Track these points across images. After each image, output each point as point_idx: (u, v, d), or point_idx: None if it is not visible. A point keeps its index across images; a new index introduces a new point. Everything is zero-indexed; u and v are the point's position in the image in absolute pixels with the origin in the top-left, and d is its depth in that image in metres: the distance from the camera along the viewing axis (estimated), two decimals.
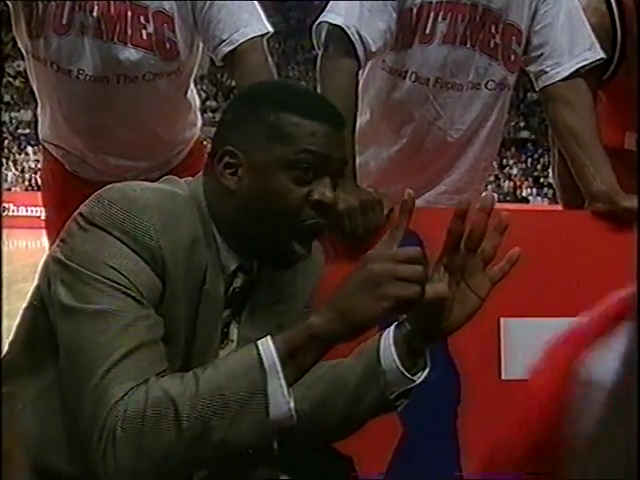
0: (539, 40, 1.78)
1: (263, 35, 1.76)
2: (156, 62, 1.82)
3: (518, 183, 28.89)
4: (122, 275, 0.95)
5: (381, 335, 1.06)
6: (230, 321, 1.11)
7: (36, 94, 2.01)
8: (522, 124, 31.23)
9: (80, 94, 1.85)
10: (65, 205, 1.97)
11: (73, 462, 1.00)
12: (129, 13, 1.77)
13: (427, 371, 1.05)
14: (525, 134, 30.87)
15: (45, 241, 2.17)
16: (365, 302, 0.89)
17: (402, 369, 1.04)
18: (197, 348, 1.05)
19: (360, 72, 1.75)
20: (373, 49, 1.66)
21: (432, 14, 1.72)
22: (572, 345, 0.67)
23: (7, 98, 26.05)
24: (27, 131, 24.30)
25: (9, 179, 23.59)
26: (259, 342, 0.92)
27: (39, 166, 2.35)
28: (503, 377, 1.59)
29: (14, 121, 26.31)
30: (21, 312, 1.08)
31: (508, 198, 26.95)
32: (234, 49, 1.73)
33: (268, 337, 0.92)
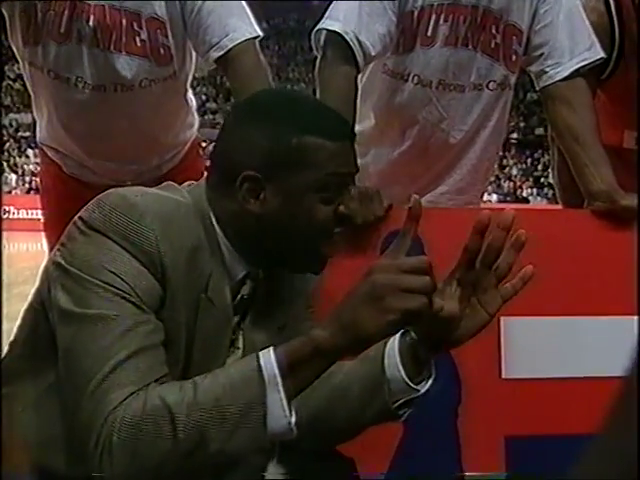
0: (539, 40, 1.78)
1: (254, 39, 1.75)
2: (151, 68, 1.82)
3: (518, 183, 28.89)
4: (122, 280, 0.94)
5: (386, 343, 1.05)
6: (237, 328, 1.11)
7: (32, 98, 2.01)
8: (522, 124, 31.23)
9: (78, 102, 1.85)
10: (63, 208, 1.97)
11: (72, 464, 1.00)
12: (123, 21, 1.77)
13: (431, 381, 1.05)
14: (525, 134, 30.87)
15: (45, 244, 2.17)
16: (370, 315, 0.88)
17: (406, 379, 1.04)
18: (198, 354, 1.04)
19: (360, 76, 1.75)
20: (372, 53, 1.66)
21: (433, 16, 1.72)
22: None
23: (7, 101, 26.06)
24: (27, 134, 24.30)
25: (10, 182, 23.60)
26: (260, 353, 0.91)
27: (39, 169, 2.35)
28: (503, 376, 1.59)
29: (14, 124, 26.32)
30: (22, 314, 1.07)
31: (508, 198, 26.95)
32: (224, 54, 1.72)
33: (270, 348, 0.91)
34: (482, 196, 2.15)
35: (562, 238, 1.63)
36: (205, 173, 1.12)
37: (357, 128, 1.64)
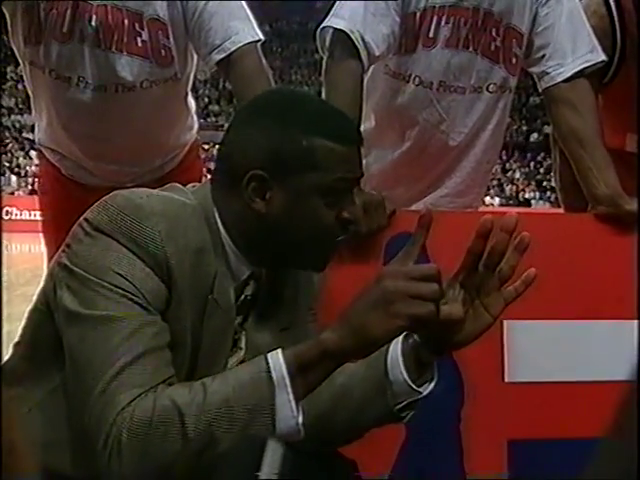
0: (541, 42, 1.78)
1: (256, 42, 1.75)
2: (152, 69, 1.82)
3: (521, 187, 28.88)
4: (128, 281, 0.95)
5: (388, 345, 1.05)
6: (239, 329, 1.11)
7: (31, 99, 2.00)
8: (525, 128, 31.24)
9: (79, 102, 1.85)
10: (61, 209, 1.98)
11: (78, 465, 1.00)
12: (125, 21, 1.77)
13: (434, 383, 1.05)
14: (528, 138, 30.88)
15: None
16: (378, 320, 0.89)
17: (409, 381, 1.04)
18: (204, 356, 1.05)
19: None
20: (377, 53, 1.67)
21: (435, 18, 1.73)
22: None
23: (11, 102, 26.12)
24: (31, 135, 24.36)
25: (12, 183, 23.64)
26: (269, 355, 0.92)
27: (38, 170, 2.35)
28: (506, 380, 1.59)
29: (17, 125, 26.38)
30: (26, 315, 1.08)
31: (511, 202, 26.95)
32: (226, 56, 1.72)
33: (278, 350, 0.92)
34: (484, 199, 2.16)
35: (565, 242, 1.63)
36: (206, 175, 1.12)
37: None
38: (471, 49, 1.76)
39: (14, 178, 24.12)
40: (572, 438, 1.51)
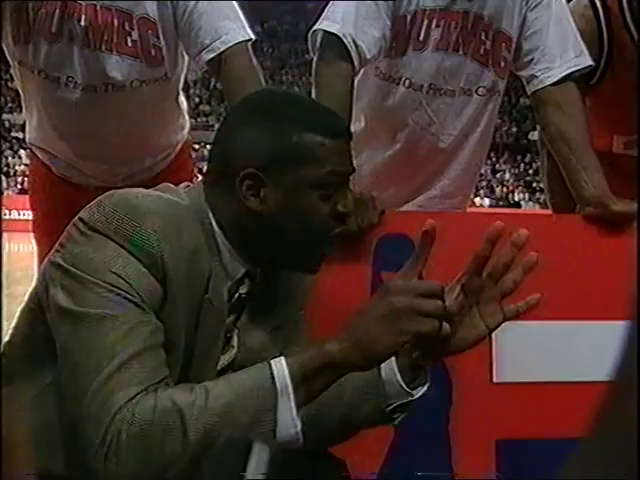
0: (529, 46, 1.79)
1: (246, 41, 1.75)
2: (142, 69, 1.82)
3: (510, 188, 28.97)
4: (123, 280, 0.95)
5: None
6: (232, 327, 1.12)
7: (22, 99, 2.00)
8: (514, 129, 31.33)
9: (68, 102, 1.84)
10: (52, 208, 1.97)
11: (70, 464, 1.00)
12: (115, 21, 1.76)
13: (426, 387, 1.06)
14: (518, 139, 30.97)
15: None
16: (383, 335, 0.90)
17: (401, 382, 1.05)
18: (197, 355, 1.05)
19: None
20: (368, 56, 1.67)
21: (426, 21, 1.74)
22: None
23: (0, 101, 25.96)
24: (20, 134, 24.24)
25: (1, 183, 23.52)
26: (272, 361, 0.92)
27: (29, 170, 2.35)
28: (494, 380, 1.60)
29: (7, 124, 26.24)
30: (17, 315, 1.07)
31: (501, 203, 27.03)
32: (216, 56, 1.72)
33: (282, 358, 0.93)
34: (474, 200, 2.18)
35: (552, 243, 1.64)
36: (197, 175, 1.13)
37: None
38: (461, 52, 1.77)
39: (2, 177, 23.99)
40: (560, 438, 1.51)
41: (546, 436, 1.56)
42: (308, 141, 1.02)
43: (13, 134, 25.71)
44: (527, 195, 28.11)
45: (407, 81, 1.79)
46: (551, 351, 1.61)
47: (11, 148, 25.94)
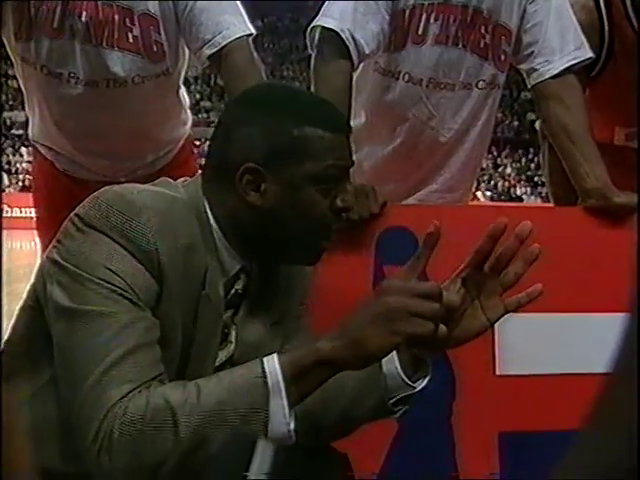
0: (529, 39, 1.79)
1: (247, 36, 1.75)
2: (144, 64, 1.82)
3: (512, 182, 28.93)
4: (119, 277, 0.95)
5: None
6: (229, 322, 1.11)
7: (24, 95, 2.00)
8: (516, 123, 31.27)
9: (70, 98, 1.85)
10: (55, 204, 1.98)
11: (68, 461, 1.00)
12: (116, 17, 1.77)
13: (427, 379, 1.06)
14: (519, 133, 30.91)
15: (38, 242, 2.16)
16: (377, 335, 0.89)
17: (403, 375, 1.05)
18: (194, 351, 1.05)
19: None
20: (367, 51, 1.67)
21: (424, 15, 1.73)
22: None
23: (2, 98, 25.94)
24: (21, 132, 24.23)
25: (3, 180, 23.53)
26: (264, 359, 0.92)
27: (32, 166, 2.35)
28: (497, 373, 1.60)
29: (8, 122, 26.23)
30: (16, 313, 1.07)
31: (502, 197, 26.99)
32: (217, 51, 1.73)
33: (274, 355, 0.92)
34: (475, 194, 2.17)
35: (555, 236, 1.64)
36: (199, 171, 1.12)
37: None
38: (460, 46, 1.77)
39: (4, 175, 24.00)
40: (563, 430, 1.52)
41: (549, 428, 1.56)
42: (308, 135, 1.02)
43: (14, 132, 25.71)
44: (529, 189, 28.07)
45: (406, 75, 1.79)
46: (554, 343, 1.61)
47: (12, 146, 25.94)
